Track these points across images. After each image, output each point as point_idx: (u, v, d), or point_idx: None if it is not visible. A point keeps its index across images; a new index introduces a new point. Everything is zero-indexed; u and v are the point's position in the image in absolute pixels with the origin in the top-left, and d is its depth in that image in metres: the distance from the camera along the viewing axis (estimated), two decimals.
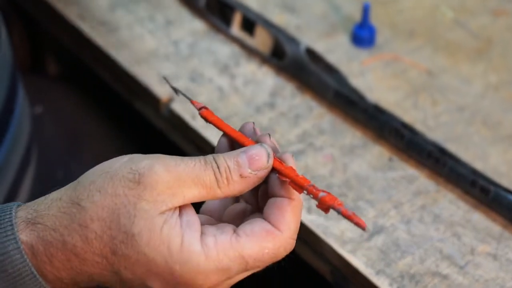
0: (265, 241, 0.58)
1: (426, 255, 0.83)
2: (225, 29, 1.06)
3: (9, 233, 0.59)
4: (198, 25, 1.09)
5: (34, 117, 1.09)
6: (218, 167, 0.59)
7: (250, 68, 1.03)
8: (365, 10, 1.03)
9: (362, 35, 1.05)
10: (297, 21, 1.09)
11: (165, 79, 0.69)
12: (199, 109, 0.66)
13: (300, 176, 0.60)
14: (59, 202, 0.60)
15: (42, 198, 0.61)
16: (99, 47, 1.05)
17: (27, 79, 1.12)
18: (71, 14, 1.09)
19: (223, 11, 1.08)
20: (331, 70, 0.99)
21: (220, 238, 0.58)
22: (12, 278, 0.59)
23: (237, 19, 1.05)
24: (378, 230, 0.85)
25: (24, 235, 0.59)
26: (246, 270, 0.59)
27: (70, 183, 0.61)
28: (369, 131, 0.94)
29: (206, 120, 0.66)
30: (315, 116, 0.97)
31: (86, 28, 1.07)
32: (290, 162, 0.61)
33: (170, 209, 0.58)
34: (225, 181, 0.59)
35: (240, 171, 0.59)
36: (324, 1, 1.12)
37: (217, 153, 0.61)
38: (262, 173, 0.60)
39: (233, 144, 0.64)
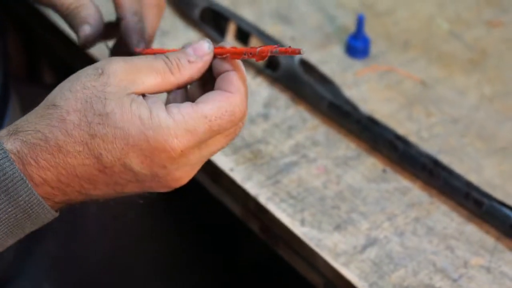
0: (222, 101, 0.66)
1: (420, 267, 0.82)
2: (219, 39, 1.06)
3: None
4: (192, 35, 1.09)
5: None
6: (167, 57, 0.67)
7: None
8: (360, 21, 1.03)
9: (357, 46, 1.05)
10: (291, 32, 1.09)
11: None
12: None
13: (237, 48, 0.68)
14: (35, 112, 0.66)
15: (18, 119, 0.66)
16: (93, 57, 1.05)
17: (23, 88, 1.11)
18: (66, 25, 1.09)
19: (217, 21, 1.08)
20: (325, 81, 0.99)
21: (182, 107, 0.65)
22: (5, 186, 0.63)
23: (231, 29, 1.05)
24: (372, 242, 0.84)
25: (9, 145, 0.64)
26: (211, 129, 0.65)
27: None
28: (363, 143, 0.94)
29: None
30: (309, 127, 0.96)
31: None
32: (228, 45, 0.68)
33: (134, 93, 0.65)
34: (176, 67, 0.67)
35: (187, 57, 0.67)
36: (318, 12, 1.12)
37: None
38: (206, 58, 0.68)
39: None
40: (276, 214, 0.87)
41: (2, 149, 0.64)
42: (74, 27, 0.82)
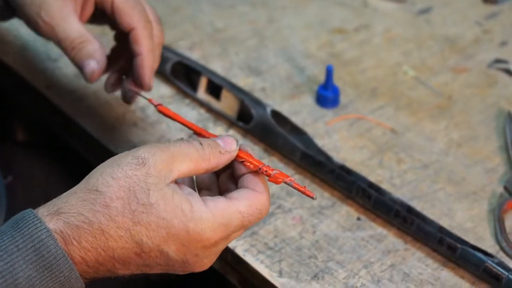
0: (253, 200, 0.72)
1: None
2: (191, 93, 1.08)
3: (39, 225, 0.67)
4: (165, 90, 1.10)
5: (6, 187, 1.09)
6: (201, 144, 0.72)
7: (218, 132, 1.04)
8: (328, 72, 1.05)
9: (327, 96, 1.07)
10: (262, 84, 1.11)
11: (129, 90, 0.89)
12: (156, 105, 0.81)
13: (256, 159, 0.75)
14: (75, 195, 0.69)
15: (55, 198, 0.70)
16: (67, 115, 1.06)
17: None
18: (39, 83, 1.10)
19: (189, 76, 1.10)
20: (298, 131, 1.01)
21: (218, 201, 0.71)
22: (48, 262, 0.67)
23: (203, 83, 1.07)
24: None
25: (52, 224, 0.68)
26: (242, 225, 0.72)
27: (81, 181, 0.71)
28: (337, 191, 0.96)
29: (164, 114, 0.80)
30: None
31: (54, 96, 1.08)
32: (248, 150, 0.75)
33: (172, 182, 0.70)
34: (208, 155, 0.72)
35: (219, 148, 0.73)
36: (287, 63, 1.15)
37: None
38: (233, 153, 0.74)
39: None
40: (254, 265, 0.88)
41: (46, 228, 0.67)
42: (78, 62, 0.87)
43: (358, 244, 0.90)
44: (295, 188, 0.74)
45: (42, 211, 0.69)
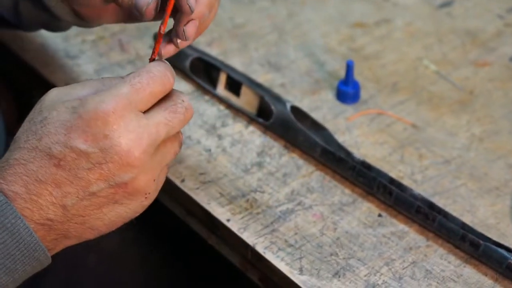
0: (139, 70, 0.72)
1: None
2: (211, 90, 1.07)
3: None
4: (184, 86, 1.10)
5: None
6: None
7: (237, 128, 1.04)
8: (349, 67, 1.05)
9: (347, 91, 1.06)
10: (282, 79, 1.11)
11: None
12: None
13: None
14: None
15: None
16: None
17: None
18: (58, 81, 1.10)
19: (208, 72, 1.09)
20: (318, 127, 1.00)
21: (105, 80, 0.72)
22: None
23: (222, 79, 1.07)
24: None
25: None
26: (133, 89, 0.70)
27: None
28: (358, 188, 0.95)
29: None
30: (304, 174, 0.97)
31: None
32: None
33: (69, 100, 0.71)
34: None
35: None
36: (307, 58, 1.14)
37: None
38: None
39: None
40: (275, 263, 0.88)
41: None
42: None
43: (380, 241, 0.89)
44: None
45: None
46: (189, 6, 0.76)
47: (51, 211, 0.69)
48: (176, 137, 0.74)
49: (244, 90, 1.04)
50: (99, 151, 0.69)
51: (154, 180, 0.73)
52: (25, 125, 0.71)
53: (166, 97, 0.73)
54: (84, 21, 0.88)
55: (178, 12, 0.77)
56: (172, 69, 0.75)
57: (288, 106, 1.00)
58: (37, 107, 0.71)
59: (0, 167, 0.70)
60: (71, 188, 0.70)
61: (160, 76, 0.72)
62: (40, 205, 0.69)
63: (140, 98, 0.70)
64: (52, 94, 0.71)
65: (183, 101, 0.74)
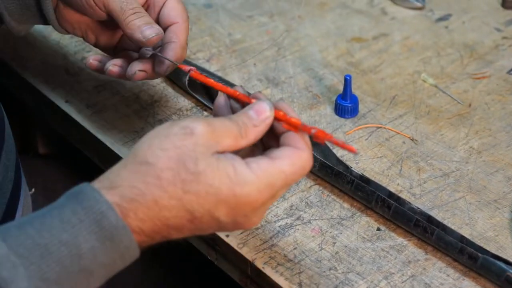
0: (295, 158, 0.74)
1: None
2: (210, 105, 1.08)
3: (98, 197, 0.70)
4: (183, 102, 1.10)
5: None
6: (237, 122, 0.74)
7: None
8: (347, 82, 1.05)
9: (345, 105, 1.06)
10: (280, 94, 1.11)
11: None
12: (188, 71, 0.86)
13: (294, 118, 0.75)
14: (126, 168, 0.72)
15: (107, 172, 0.73)
16: (85, 130, 1.07)
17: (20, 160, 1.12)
18: (57, 97, 1.11)
19: (207, 87, 1.10)
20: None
21: (261, 162, 0.73)
22: (110, 233, 0.69)
23: (221, 95, 1.07)
24: None
25: (109, 197, 0.70)
26: (286, 183, 0.73)
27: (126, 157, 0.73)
28: (357, 202, 0.95)
29: (196, 79, 0.84)
30: (302, 189, 0.98)
31: (72, 111, 1.09)
32: (285, 106, 0.77)
33: (216, 152, 0.72)
34: (244, 132, 0.74)
35: (252, 122, 0.74)
36: (306, 73, 1.14)
37: (216, 108, 0.81)
38: (268, 121, 0.75)
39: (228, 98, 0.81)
40: (274, 278, 0.88)
41: (105, 200, 0.70)
42: (138, 27, 0.89)
43: (378, 255, 0.90)
44: (335, 144, 0.74)
45: (97, 185, 0.72)
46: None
47: (158, 240, 0.73)
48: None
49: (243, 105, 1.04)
50: (232, 222, 0.73)
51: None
52: (173, 162, 0.71)
53: None
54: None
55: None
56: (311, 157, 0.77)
57: None
58: (189, 147, 0.71)
59: (134, 198, 0.70)
60: (188, 232, 0.73)
61: (308, 171, 0.75)
62: (154, 238, 0.72)
63: (284, 186, 0.74)
64: (204, 137, 0.72)
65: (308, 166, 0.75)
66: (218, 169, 0.71)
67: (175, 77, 1.11)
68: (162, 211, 0.71)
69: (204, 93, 1.10)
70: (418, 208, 0.91)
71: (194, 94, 1.09)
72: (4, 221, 0.91)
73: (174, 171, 0.70)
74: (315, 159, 0.97)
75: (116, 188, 0.71)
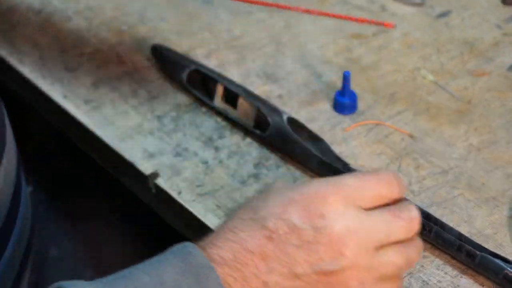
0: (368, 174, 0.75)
1: None
2: (208, 102, 1.07)
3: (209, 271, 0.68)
4: (181, 98, 1.10)
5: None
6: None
7: (234, 140, 1.03)
8: (345, 78, 1.05)
9: (344, 102, 1.06)
10: (279, 91, 1.10)
11: None
12: None
13: None
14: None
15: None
16: (83, 125, 1.06)
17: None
18: (55, 93, 1.10)
19: (205, 84, 1.09)
20: (315, 138, 1.00)
21: None
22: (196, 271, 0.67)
23: (219, 91, 1.06)
24: None
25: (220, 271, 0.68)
26: (360, 186, 0.71)
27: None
28: None
29: None
30: None
31: (71, 107, 1.08)
32: None
33: None
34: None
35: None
36: (305, 70, 1.14)
37: None
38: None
39: None
40: None
41: (190, 242, 0.70)
42: None
43: None
44: None
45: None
46: None
47: (253, 284, 0.68)
48: (406, 246, 0.73)
49: (241, 101, 1.04)
50: (311, 229, 0.68)
51: (362, 283, 0.70)
52: (244, 205, 0.73)
53: (391, 203, 0.73)
54: None
55: None
56: (402, 181, 0.74)
57: (285, 117, 1.00)
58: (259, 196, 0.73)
59: (212, 234, 0.71)
60: (277, 264, 0.68)
61: (388, 180, 0.72)
62: (244, 275, 0.68)
63: (364, 195, 0.71)
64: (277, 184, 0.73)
65: (410, 210, 0.73)
66: (284, 186, 0.73)
67: (174, 74, 1.11)
68: (239, 234, 0.70)
69: (202, 89, 1.09)
70: (416, 205, 0.91)
71: (192, 90, 1.09)
72: (6, 223, 0.90)
73: (244, 207, 0.73)
74: (313, 156, 0.97)
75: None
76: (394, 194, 0.72)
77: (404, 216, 0.72)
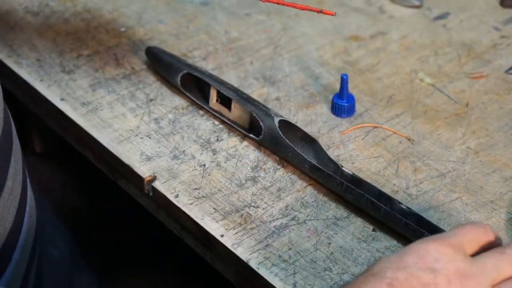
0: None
1: None
2: (204, 105, 1.07)
3: None
4: (179, 101, 1.10)
5: None
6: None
7: (232, 143, 1.03)
8: (343, 81, 1.04)
9: (342, 105, 1.06)
10: (277, 93, 1.10)
11: None
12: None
13: None
14: None
15: None
16: (80, 128, 1.06)
17: None
18: (53, 95, 1.10)
19: (200, 86, 1.09)
20: (309, 140, 0.99)
21: None
22: None
23: (213, 94, 1.06)
24: None
25: None
26: (458, 241, 0.75)
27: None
28: (351, 203, 0.95)
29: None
30: (298, 189, 0.97)
31: (68, 109, 1.08)
32: None
33: None
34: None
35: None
36: (302, 72, 1.14)
37: None
38: None
39: None
40: (268, 278, 0.87)
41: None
42: None
43: (374, 256, 0.89)
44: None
45: None
46: None
47: None
48: None
49: (234, 105, 1.04)
50: (430, 272, 0.72)
51: None
52: (358, 274, 0.77)
53: (491, 247, 0.77)
54: None
55: None
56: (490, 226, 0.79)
57: (276, 121, 0.99)
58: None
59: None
60: None
61: (482, 226, 0.78)
62: None
63: (466, 241, 0.76)
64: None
65: (510, 246, 0.76)
66: (392, 254, 0.75)
67: (169, 76, 1.10)
68: (361, 286, 0.73)
69: (197, 92, 1.09)
70: (409, 209, 0.90)
71: (187, 93, 1.08)
72: (14, 225, 0.90)
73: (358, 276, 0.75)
74: (305, 161, 0.96)
75: None
76: (489, 236, 0.77)
77: (509, 251, 0.76)
